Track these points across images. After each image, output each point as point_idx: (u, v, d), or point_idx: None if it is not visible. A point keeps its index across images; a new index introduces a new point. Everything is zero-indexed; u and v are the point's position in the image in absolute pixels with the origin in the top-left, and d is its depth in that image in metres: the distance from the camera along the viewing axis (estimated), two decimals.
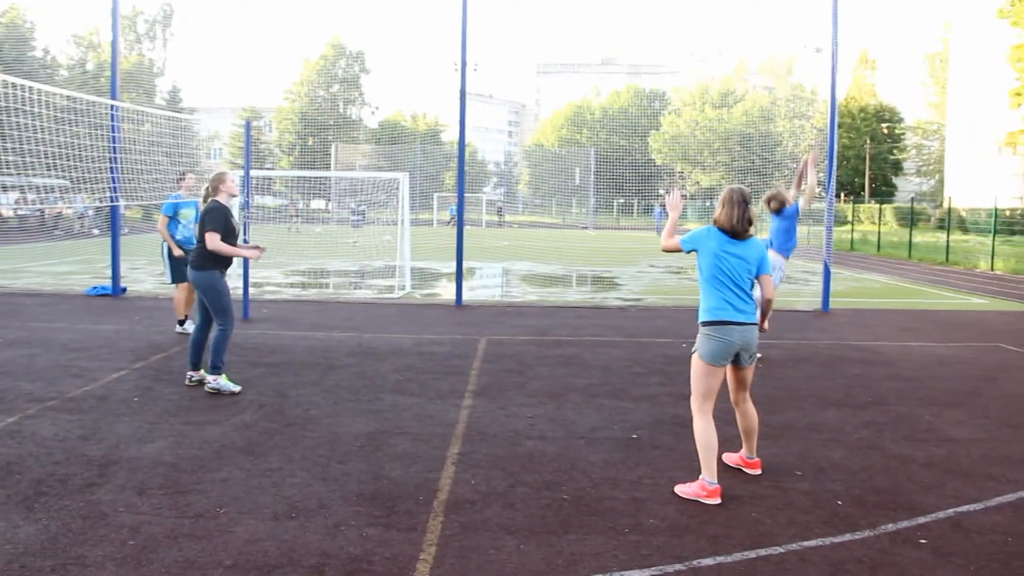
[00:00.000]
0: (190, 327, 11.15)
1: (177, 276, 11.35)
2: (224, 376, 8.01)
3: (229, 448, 6.25)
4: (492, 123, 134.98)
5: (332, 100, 79.83)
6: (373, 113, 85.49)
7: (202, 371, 8.20)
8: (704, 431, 5.43)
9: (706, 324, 5.48)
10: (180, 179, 11.84)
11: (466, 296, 15.25)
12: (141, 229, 37.42)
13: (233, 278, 15.42)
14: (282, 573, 4.19)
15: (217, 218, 7.97)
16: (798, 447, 6.53)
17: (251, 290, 13.24)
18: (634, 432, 6.82)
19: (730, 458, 6.03)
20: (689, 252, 5.65)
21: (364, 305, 14.85)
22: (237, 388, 8.00)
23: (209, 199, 8.15)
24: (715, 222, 5.56)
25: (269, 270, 21.25)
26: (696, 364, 5.53)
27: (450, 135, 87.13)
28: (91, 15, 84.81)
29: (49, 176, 12.42)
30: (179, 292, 11.44)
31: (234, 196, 8.29)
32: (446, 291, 17.50)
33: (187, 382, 8.25)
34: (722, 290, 5.45)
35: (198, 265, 8.00)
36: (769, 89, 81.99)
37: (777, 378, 9.12)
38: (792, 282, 21.47)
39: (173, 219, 11.40)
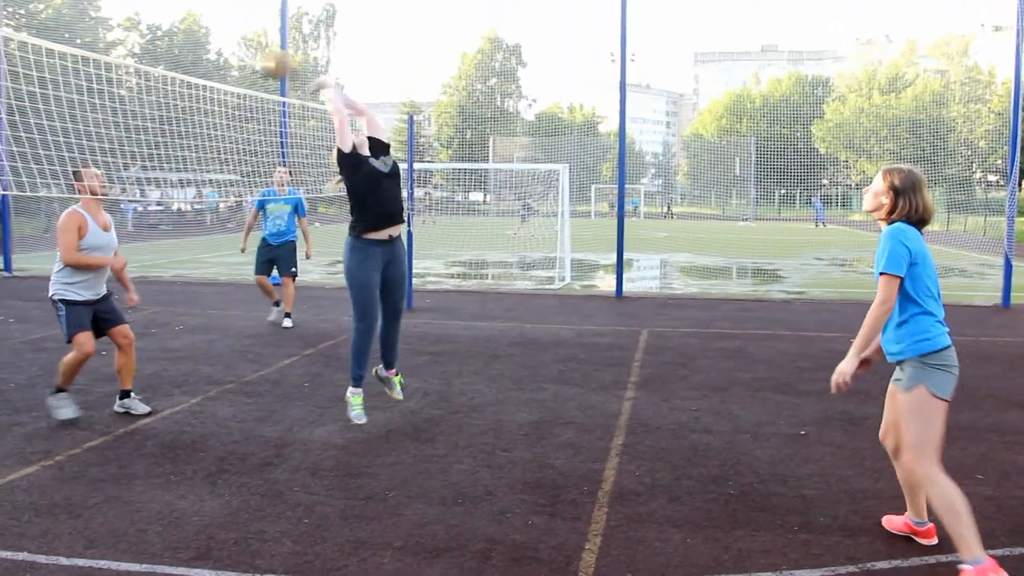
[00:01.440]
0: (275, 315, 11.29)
1: (259, 268, 11.41)
2: (356, 396, 6.60)
3: (396, 433, 6.41)
4: (649, 114, 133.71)
5: (489, 93, 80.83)
6: (530, 106, 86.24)
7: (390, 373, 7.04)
8: (952, 491, 4.03)
9: (935, 353, 4.11)
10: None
11: (626, 288, 15.16)
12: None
13: None
14: (450, 557, 4.26)
15: None
16: (979, 449, 6.18)
17: (414, 280, 13.54)
18: (802, 428, 6.62)
19: (893, 523, 4.69)
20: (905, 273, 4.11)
21: (524, 296, 14.97)
22: (357, 418, 6.51)
23: None
24: (915, 213, 4.19)
25: (430, 260, 21.69)
26: (931, 405, 4.08)
27: (607, 126, 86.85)
28: (260, 18, 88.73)
29: (223, 172, 12.94)
30: (261, 283, 11.50)
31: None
32: (606, 282, 17.46)
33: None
34: (934, 304, 4.17)
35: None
36: (941, 72, 78.03)
37: None
38: (968, 275, 20.43)
39: (263, 213, 11.37)
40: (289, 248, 11.41)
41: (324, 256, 20.01)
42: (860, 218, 55.26)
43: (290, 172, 11.78)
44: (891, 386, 4.41)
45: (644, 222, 51.76)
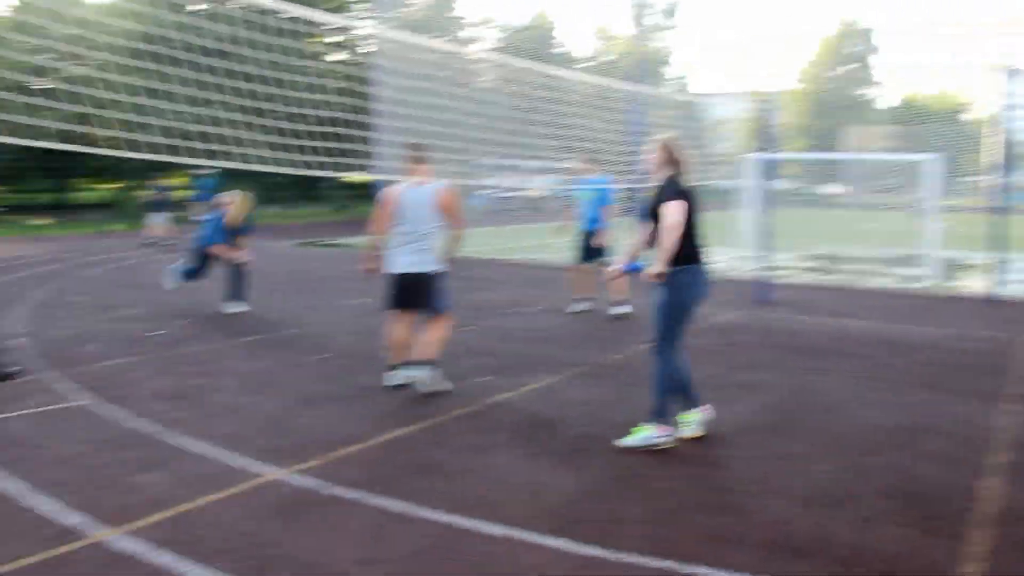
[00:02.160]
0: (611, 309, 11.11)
1: (575, 257, 11.43)
2: (650, 426, 5.76)
3: (755, 427, 6.24)
4: None
5: (843, 80, 77.09)
6: (889, 92, 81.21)
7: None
8: None
9: None
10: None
11: (1005, 290, 13.74)
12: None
13: (747, 260, 15.51)
14: (811, 559, 4.08)
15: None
16: None
17: (767, 274, 13.16)
18: None
19: None
20: None
21: (885, 294, 14.11)
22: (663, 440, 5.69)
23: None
24: None
25: (784, 253, 21.02)
26: None
27: (978, 112, 79.80)
28: (606, 10, 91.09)
29: (570, 160, 13.27)
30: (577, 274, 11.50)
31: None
32: (978, 283, 16.02)
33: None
34: None
35: None
36: None
37: None
38: None
39: (577, 202, 11.41)
40: (597, 238, 11.25)
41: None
42: None
43: (591, 160, 11.64)
44: None
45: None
